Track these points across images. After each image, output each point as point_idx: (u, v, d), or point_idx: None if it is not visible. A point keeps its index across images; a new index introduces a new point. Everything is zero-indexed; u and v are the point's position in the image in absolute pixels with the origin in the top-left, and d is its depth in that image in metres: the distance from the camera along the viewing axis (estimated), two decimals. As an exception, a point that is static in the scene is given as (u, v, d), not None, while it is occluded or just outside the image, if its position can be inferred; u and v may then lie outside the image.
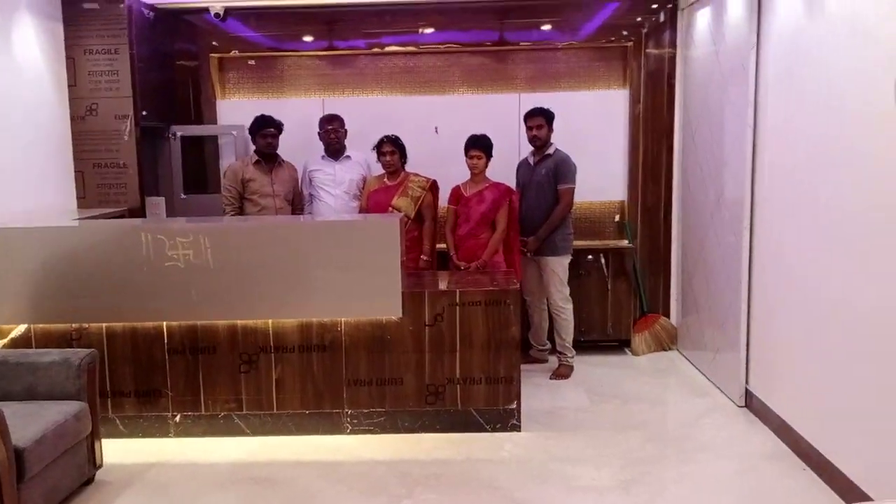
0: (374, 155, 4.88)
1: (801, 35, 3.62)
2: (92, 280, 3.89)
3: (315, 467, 3.67)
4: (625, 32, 5.55)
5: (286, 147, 5.02)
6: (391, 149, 4.73)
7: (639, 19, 5.51)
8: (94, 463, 3.50)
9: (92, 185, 4.95)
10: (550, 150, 4.94)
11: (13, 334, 3.97)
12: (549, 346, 5.26)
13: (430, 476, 3.55)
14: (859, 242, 3.09)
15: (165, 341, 3.97)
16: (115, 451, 3.76)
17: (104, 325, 3.96)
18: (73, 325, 3.96)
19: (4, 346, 3.92)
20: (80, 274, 3.89)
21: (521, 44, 5.63)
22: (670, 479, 3.52)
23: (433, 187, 4.84)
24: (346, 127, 5.05)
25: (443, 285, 4.18)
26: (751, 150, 4.16)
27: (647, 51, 5.51)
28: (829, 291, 3.36)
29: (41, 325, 3.97)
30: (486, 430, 4.03)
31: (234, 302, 3.90)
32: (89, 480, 3.50)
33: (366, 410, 4.02)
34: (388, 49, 5.67)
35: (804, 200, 3.60)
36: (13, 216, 4.16)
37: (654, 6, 5.39)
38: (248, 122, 5.05)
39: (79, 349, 3.64)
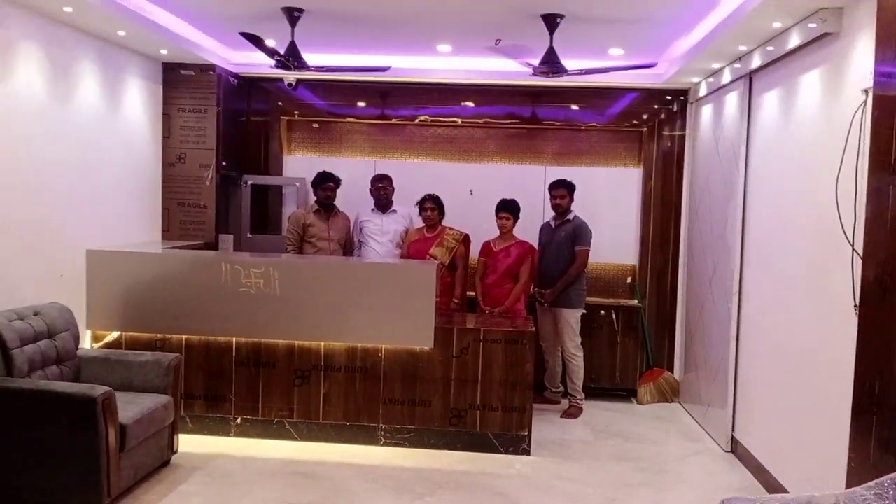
0: (416, 209, 5.65)
1: (776, 135, 4.36)
2: (177, 299, 4.67)
3: (352, 469, 4.33)
4: (642, 118, 6.34)
5: (341, 199, 5.81)
6: (432, 205, 5.50)
7: (655, 107, 6.30)
8: (172, 448, 4.21)
9: (175, 221, 5.79)
10: (570, 216, 5.67)
11: (108, 339, 4.75)
12: (562, 389, 5.88)
13: (449, 483, 4.19)
14: (830, 310, 3.67)
15: (234, 354, 4.71)
16: (186, 442, 4.45)
17: (184, 336, 4.71)
18: (158, 335, 4.72)
19: (100, 348, 4.68)
20: (167, 293, 4.67)
21: (550, 123, 6.44)
22: (646, 500, 4.10)
23: (465, 240, 5.57)
24: (394, 185, 5.84)
25: (470, 324, 4.87)
26: (740, 226, 4.85)
27: (661, 135, 6.28)
28: (795, 349, 3.99)
29: (131, 333, 4.73)
30: (499, 452, 4.66)
31: (294, 325, 4.64)
32: (167, 462, 4.20)
33: (398, 426, 4.69)
34: (433, 121, 6.52)
35: (773, 270, 4.26)
36: (112, 242, 4.98)
37: (669, 97, 6.18)
38: (309, 176, 5.88)
39: (167, 353, 4.40)
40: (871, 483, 2.47)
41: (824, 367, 3.60)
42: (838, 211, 3.34)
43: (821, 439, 3.59)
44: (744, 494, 4.15)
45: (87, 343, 4.72)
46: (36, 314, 4.03)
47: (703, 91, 5.68)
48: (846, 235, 3.27)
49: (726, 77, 5.06)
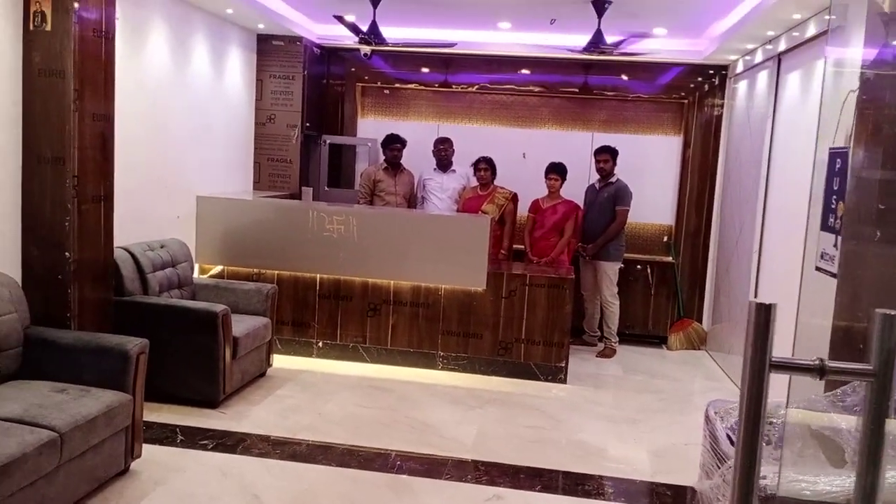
0: (471, 170, 6.36)
1: (795, 111, 4.92)
2: (270, 239, 5.53)
3: (415, 386, 5.17)
4: (686, 91, 6.89)
5: (406, 158, 6.55)
6: (485, 166, 6.20)
7: (698, 80, 6.83)
8: (268, 361, 5.12)
9: (265, 175, 6.66)
10: (613, 180, 6.31)
11: (213, 272, 5.66)
12: (598, 334, 6.60)
13: (496, 400, 4.99)
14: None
15: (317, 288, 5.57)
16: (276, 360, 5.35)
17: (276, 271, 5.59)
18: (254, 269, 5.60)
19: (208, 278, 5.59)
20: (262, 234, 5.54)
21: (600, 92, 7.04)
22: (665, 422, 4.83)
23: (514, 199, 6.27)
24: (454, 147, 6.55)
25: (517, 270, 5.61)
26: (763, 193, 5.43)
27: (702, 106, 6.83)
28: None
29: (231, 267, 5.63)
30: (540, 379, 5.43)
31: (368, 265, 5.46)
32: (263, 373, 5.11)
33: (453, 354, 5.50)
34: (491, 88, 7.18)
35: (788, 232, 4.87)
36: (215, 189, 5.86)
37: (710, 72, 6.70)
38: (379, 137, 6.64)
39: (266, 283, 5.28)
40: (828, 393, 3.14)
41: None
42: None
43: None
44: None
45: (195, 275, 5.63)
46: (162, 246, 4.93)
47: (739, 68, 6.21)
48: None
49: (759, 57, 5.59)
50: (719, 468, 2.70)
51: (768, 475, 2.39)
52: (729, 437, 2.87)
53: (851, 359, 1.19)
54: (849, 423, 2.51)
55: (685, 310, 6.89)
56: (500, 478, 3.79)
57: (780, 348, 1.10)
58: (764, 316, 1.08)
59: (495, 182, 6.31)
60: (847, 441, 2.47)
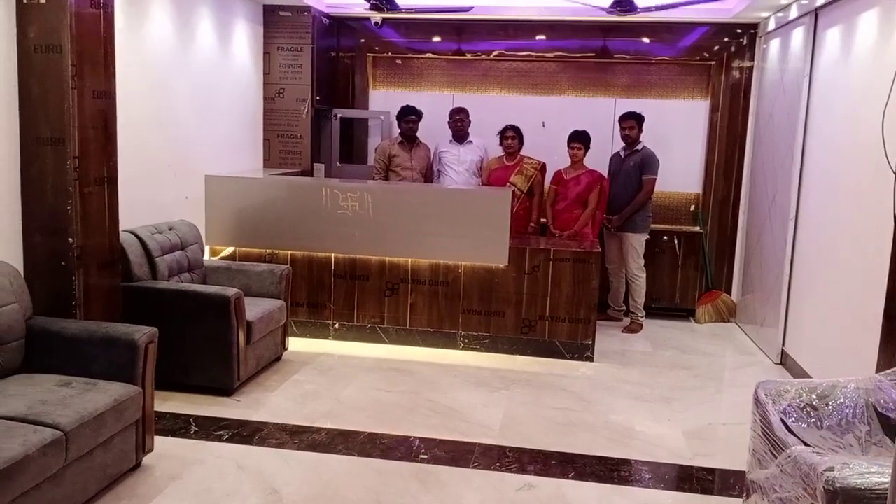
0: (491, 140, 6.09)
1: (836, 68, 4.61)
2: (283, 218, 5.32)
3: (436, 367, 4.97)
4: (712, 52, 6.56)
5: (422, 131, 6.30)
6: (513, 134, 5.93)
7: (725, 40, 6.50)
8: (283, 345, 4.94)
9: (275, 151, 6.43)
10: (639, 147, 6.03)
11: (223, 253, 5.47)
12: (624, 308, 6.37)
13: (521, 380, 4.79)
14: (877, 232, 4.05)
15: (332, 268, 5.37)
16: (292, 343, 5.17)
17: (289, 252, 5.38)
18: (267, 250, 5.40)
19: (220, 260, 5.40)
20: (274, 213, 5.33)
21: (621, 56, 6.72)
22: (700, 400, 4.61)
23: (542, 169, 6.01)
24: (470, 118, 6.28)
25: (541, 244, 5.38)
26: (800, 156, 5.14)
27: (730, 68, 6.51)
28: (842, 268, 4.36)
29: (243, 249, 5.43)
30: (566, 358, 5.22)
31: (385, 243, 5.24)
32: (279, 358, 4.93)
33: (475, 333, 5.29)
34: (507, 55, 6.89)
35: (827, 195, 4.59)
36: (223, 168, 5.64)
37: (739, 31, 6.37)
38: (393, 109, 6.39)
39: (279, 264, 5.08)
40: (889, 371, 2.91)
41: (866, 284, 3.98)
42: (883, 141, 3.67)
43: (859, 347, 4.01)
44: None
45: (206, 256, 5.44)
46: (170, 229, 4.73)
47: (771, 25, 5.88)
48: (889, 163, 3.60)
49: (794, 13, 5.27)
50: (775, 457, 2.48)
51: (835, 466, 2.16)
52: (783, 422, 2.65)
53: None
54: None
55: (713, 281, 6.64)
56: (530, 464, 3.59)
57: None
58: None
59: (521, 152, 6.06)
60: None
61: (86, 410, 2.92)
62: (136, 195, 4.47)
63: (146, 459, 3.39)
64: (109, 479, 3.14)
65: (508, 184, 5.86)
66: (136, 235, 4.38)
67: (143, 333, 3.31)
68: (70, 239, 3.59)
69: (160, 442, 3.53)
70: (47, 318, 3.45)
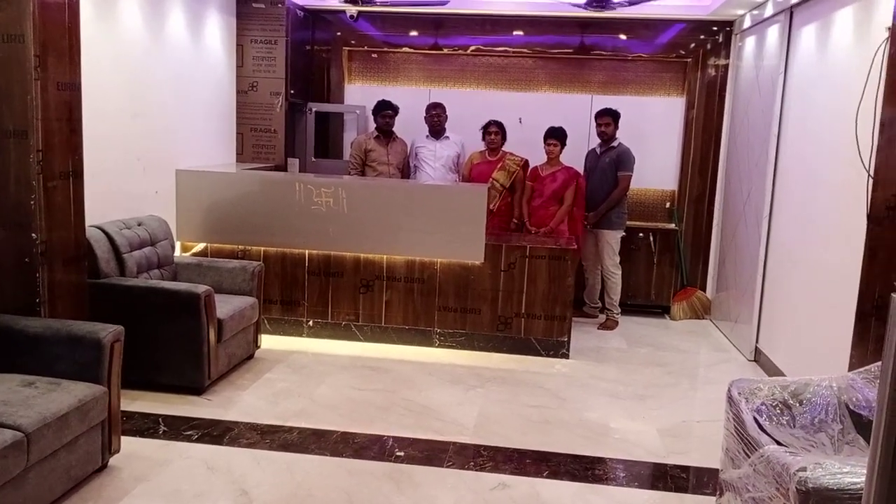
0: (469, 136, 6.04)
1: (811, 66, 4.63)
2: (256, 214, 5.23)
3: (412, 365, 4.93)
4: (688, 49, 6.57)
5: (398, 126, 6.24)
6: (496, 129, 5.90)
7: (701, 38, 6.51)
8: (256, 343, 4.86)
9: (248, 145, 6.33)
10: (615, 144, 6.02)
11: (195, 249, 5.37)
12: (599, 305, 6.37)
13: (497, 378, 4.76)
14: (850, 230, 4.05)
15: (306, 265, 5.29)
16: (265, 341, 5.09)
17: (262, 248, 5.30)
18: (239, 246, 5.32)
19: (190, 256, 5.31)
20: (247, 209, 5.24)
21: (598, 52, 6.71)
22: (674, 397, 4.61)
23: (525, 166, 5.98)
24: (447, 113, 6.23)
25: (517, 241, 5.35)
26: (774, 154, 5.17)
27: (705, 65, 6.52)
28: (814, 266, 4.38)
29: (215, 245, 5.34)
30: (541, 355, 5.20)
31: (359, 240, 5.18)
32: (251, 356, 4.85)
33: (451, 330, 5.25)
34: (484, 50, 6.84)
35: (801, 194, 4.62)
36: (195, 163, 5.54)
37: (714, 29, 6.38)
38: (368, 104, 6.32)
39: (251, 261, 5.00)
40: (861, 369, 2.91)
41: (838, 282, 4.00)
42: (856, 139, 3.68)
43: (832, 344, 4.03)
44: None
45: (176, 253, 5.33)
46: (140, 224, 4.63)
47: (747, 23, 5.89)
48: (862, 161, 3.61)
49: (769, 10, 5.28)
50: (749, 456, 2.48)
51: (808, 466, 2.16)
52: (756, 421, 2.64)
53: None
54: None
55: (688, 278, 6.66)
56: (504, 463, 3.57)
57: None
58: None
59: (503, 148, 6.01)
60: None
61: (49, 411, 2.83)
62: (103, 189, 4.37)
63: (113, 460, 3.31)
64: (74, 480, 3.05)
65: (491, 179, 5.82)
66: (104, 231, 4.28)
67: (108, 332, 3.22)
68: (34, 234, 3.48)
69: (128, 442, 3.45)
70: (10, 316, 3.35)
